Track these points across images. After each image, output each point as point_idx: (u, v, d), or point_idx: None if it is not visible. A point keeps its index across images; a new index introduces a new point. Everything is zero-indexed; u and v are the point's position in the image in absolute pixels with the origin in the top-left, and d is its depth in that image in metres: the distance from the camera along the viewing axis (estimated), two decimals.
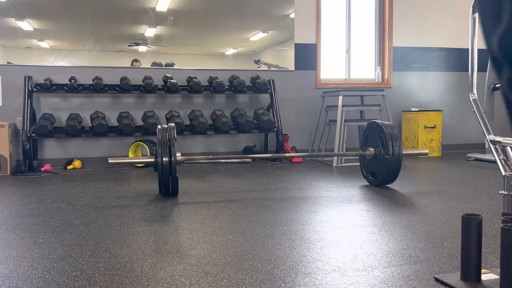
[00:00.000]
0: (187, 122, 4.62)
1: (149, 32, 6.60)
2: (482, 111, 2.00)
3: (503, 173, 1.64)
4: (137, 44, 6.77)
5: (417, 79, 5.69)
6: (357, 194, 3.02)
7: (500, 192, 1.62)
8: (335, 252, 1.81)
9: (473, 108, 2.02)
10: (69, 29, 6.21)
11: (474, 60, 2.04)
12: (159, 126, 2.98)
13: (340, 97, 4.57)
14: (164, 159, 2.80)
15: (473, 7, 2.04)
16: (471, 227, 1.43)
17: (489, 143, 1.84)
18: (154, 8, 6.11)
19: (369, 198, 2.89)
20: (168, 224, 2.30)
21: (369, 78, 5.65)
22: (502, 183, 1.64)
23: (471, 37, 2.05)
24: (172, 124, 3.02)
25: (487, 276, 1.47)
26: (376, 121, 3.36)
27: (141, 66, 5.88)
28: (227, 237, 2.03)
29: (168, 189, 2.92)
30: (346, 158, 4.62)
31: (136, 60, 5.93)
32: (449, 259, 1.70)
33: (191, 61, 6.27)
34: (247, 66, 5.27)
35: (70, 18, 6.10)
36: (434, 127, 5.16)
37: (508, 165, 1.74)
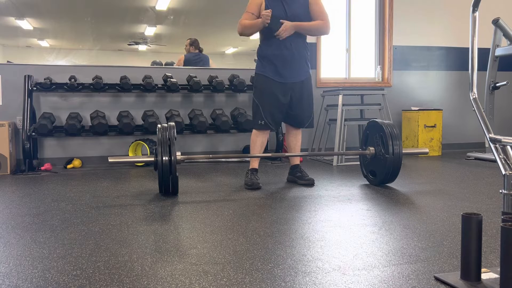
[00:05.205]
0: (187, 121, 4.62)
1: (149, 31, 6.61)
2: (482, 110, 1.99)
3: (503, 172, 1.64)
4: (137, 43, 6.76)
5: (417, 78, 5.69)
6: (357, 193, 3.02)
7: (500, 191, 1.62)
8: (335, 251, 1.81)
9: (473, 107, 2.02)
10: (69, 28, 6.20)
11: (474, 59, 2.04)
12: (159, 125, 2.97)
13: (340, 96, 4.57)
14: (164, 158, 2.80)
15: (473, 6, 2.04)
16: (471, 226, 1.43)
17: (489, 142, 1.84)
18: (154, 7, 6.11)
19: (369, 197, 2.89)
20: (168, 223, 2.30)
21: (369, 77, 5.64)
22: (502, 182, 1.64)
23: (471, 36, 2.04)
24: (172, 123, 3.02)
25: (487, 275, 1.47)
26: (376, 120, 3.36)
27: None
28: (227, 236, 2.03)
29: (168, 188, 2.91)
30: (346, 157, 4.62)
31: (190, 43, 5.75)
32: (449, 258, 1.70)
33: None
34: (247, 65, 5.26)
35: (70, 17, 6.10)
36: (434, 126, 5.16)
37: (508, 164, 1.73)
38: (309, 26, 3.23)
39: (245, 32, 3.29)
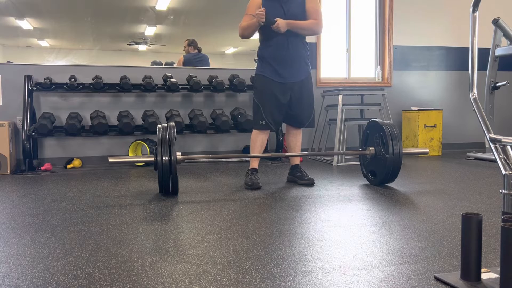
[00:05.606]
0: (187, 121, 4.62)
1: (149, 31, 6.62)
2: (482, 110, 1.99)
3: (503, 172, 1.64)
4: (137, 43, 6.77)
5: (417, 78, 5.69)
6: (357, 193, 3.02)
7: (500, 191, 1.62)
8: (335, 251, 1.81)
9: (473, 107, 2.02)
10: (69, 28, 6.20)
11: (474, 59, 2.04)
12: (159, 125, 2.97)
13: (340, 96, 4.57)
14: (164, 158, 2.80)
15: (473, 6, 2.04)
16: (471, 226, 1.43)
17: (489, 142, 1.84)
18: (154, 7, 6.12)
19: (369, 197, 2.89)
20: (168, 223, 2.30)
21: (369, 77, 5.64)
22: (502, 182, 1.64)
23: (471, 36, 2.04)
24: (172, 123, 3.02)
25: (487, 275, 1.47)
26: (376, 120, 3.36)
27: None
28: (227, 236, 2.03)
29: (168, 188, 2.91)
30: (346, 157, 4.62)
31: (189, 44, 5.72)
32: (449, 258, 1.70)
33: None
34: (247, 65, 5.27)
35: (70, 17, 6.11)
36: (434, 126, 5.16)
37: (508, 164, 1.73)
38: (301, 25, 3.22)
39: (245, 34, 3.30)
